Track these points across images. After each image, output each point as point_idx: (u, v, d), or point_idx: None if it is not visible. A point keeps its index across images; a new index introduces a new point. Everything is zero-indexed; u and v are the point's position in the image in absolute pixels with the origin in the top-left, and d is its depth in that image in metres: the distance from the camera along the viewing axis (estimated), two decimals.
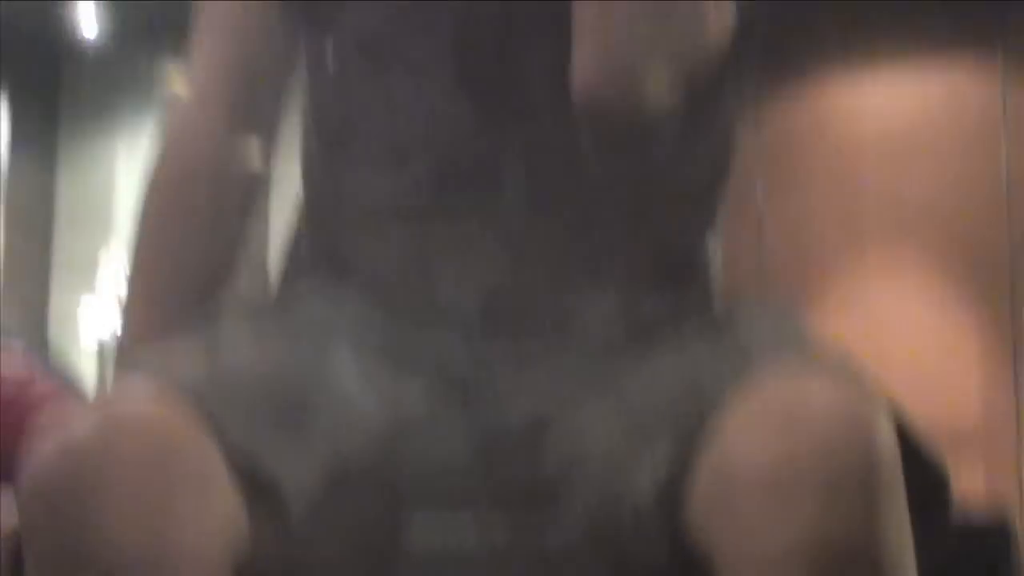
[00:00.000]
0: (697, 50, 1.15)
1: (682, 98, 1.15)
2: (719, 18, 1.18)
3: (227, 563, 0.96)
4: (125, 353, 1.25)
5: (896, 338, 5.57)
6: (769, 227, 6.01)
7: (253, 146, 1.32)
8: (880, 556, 0.95)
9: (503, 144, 1.22)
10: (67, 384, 2.45)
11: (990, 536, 0.87)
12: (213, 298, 1.27)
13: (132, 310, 1.28)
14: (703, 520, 0.99)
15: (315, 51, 1.30)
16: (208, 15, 1.33)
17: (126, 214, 4.44)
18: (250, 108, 1.31)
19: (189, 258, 1.28)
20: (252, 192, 1.32)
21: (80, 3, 6.36)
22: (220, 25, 1.32)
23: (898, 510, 0.97)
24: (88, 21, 6.44)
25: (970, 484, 5.01)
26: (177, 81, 1.37)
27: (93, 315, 7.25)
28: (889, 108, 5.99)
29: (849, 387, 0.98)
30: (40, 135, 7.36)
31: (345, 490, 1.06)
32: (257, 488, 1.00)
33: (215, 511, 0.96)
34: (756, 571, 0.95)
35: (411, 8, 1.24)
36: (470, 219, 1.21)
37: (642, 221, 1.24)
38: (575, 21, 1.13)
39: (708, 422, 1.00)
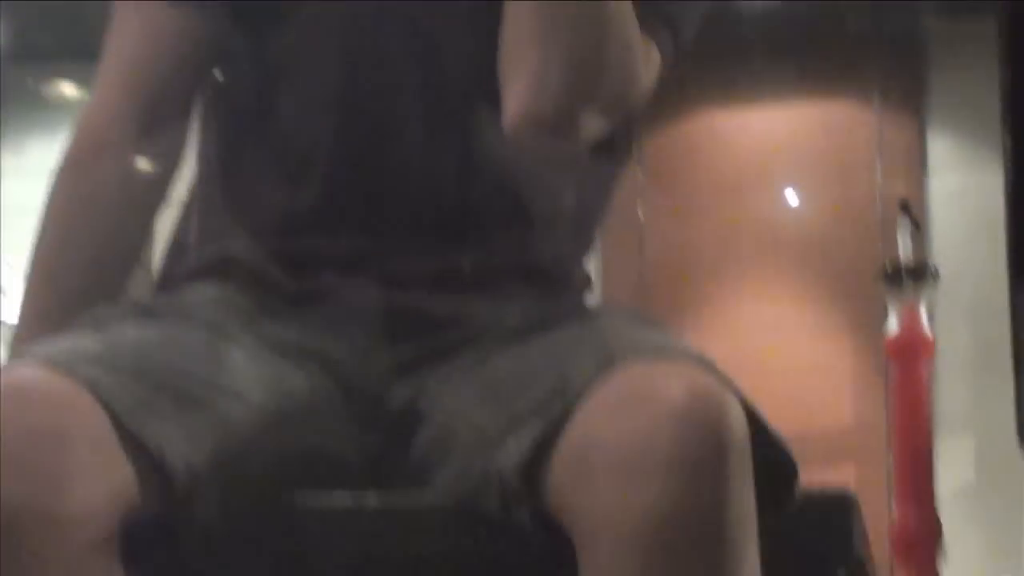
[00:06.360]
0: (624, 102, 1.22)
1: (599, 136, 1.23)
2: (648, 71, 1.26)
3: (114, 520, 1.01)
4: (19, 342, 1.30)
5: (773, 357, 5.70)
6: (650, 251, 6.12)
7: (159, 146, 1.36)
8: (725, 531, 1.00)
9: (387, 161, 1.29)
10: None
11: (831, 504, 0.94)
12: (110, 294, 1.32)
13: (30, 304, 1.33)
14: (563, 495, 1.04)
15: (225, 58, 1.35)
16: (121, 14, 1.36)
17: (12, 229, 4.42)
18: (158, 109, 1.34)
19: (90, 255, 1.33)
20: (155, 192, 1.37)
21: None
22: (132, 25, 1.35)
23: (746, 488, 1.02)
24: None
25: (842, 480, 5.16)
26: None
27: None
28: (769, 142, 6.13)
29: (702, 374, 1.03)
30: None
31: (227, 461, 1.11)
32: (143, 454, 1.05)
33: (102, 471, 1.01)
34: (608, 545, 1.00)
35: (318, 26, 1.29)
36: (355, 234, 1.28)
37: (527, 237, 1.31)
38: (509, 61, 1.19)
39: (572, 407, 1.05)
